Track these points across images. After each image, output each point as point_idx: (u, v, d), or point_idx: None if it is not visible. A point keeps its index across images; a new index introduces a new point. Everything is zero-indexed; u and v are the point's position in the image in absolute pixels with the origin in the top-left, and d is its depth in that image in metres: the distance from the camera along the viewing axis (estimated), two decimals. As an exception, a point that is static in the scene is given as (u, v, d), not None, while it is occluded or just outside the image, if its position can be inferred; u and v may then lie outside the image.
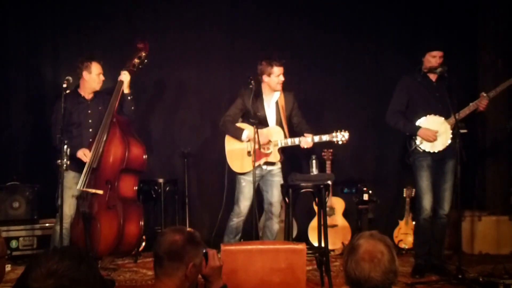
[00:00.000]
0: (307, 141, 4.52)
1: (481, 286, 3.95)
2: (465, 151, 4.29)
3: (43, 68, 5.70)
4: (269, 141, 4.60)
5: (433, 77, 4.57)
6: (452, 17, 6.05)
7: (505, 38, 5.90)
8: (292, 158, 5.91)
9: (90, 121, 4.68)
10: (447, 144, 4.42)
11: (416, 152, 4.51)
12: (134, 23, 5.82)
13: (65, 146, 4.12)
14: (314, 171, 5.42)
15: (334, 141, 4.52)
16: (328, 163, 5.58)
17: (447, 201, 4.49)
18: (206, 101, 5.94)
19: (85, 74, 4.63)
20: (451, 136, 4.40)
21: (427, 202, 4.45)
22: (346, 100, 6.05)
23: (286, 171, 4.76)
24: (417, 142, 4.48)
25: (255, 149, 4.36)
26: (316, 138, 4.53)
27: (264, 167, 4.69)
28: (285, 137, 4.65)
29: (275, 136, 4.64)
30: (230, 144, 4.74)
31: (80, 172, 4.45)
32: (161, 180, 5.34)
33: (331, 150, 5.63)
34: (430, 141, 4.43)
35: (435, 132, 4.41)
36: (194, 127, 5.96)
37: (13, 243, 4.97)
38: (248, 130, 4.60)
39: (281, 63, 4.62)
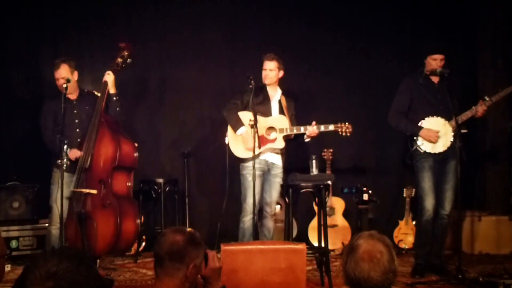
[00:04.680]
0: (313, 129, 4.47)
1: (481, 286, 3.95)
2: (466, 151, 4.28)
3: (43, 68, 5.69)
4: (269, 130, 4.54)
5: (435, 79, 4.56)
6: (452, 18, 6.05)
7: (505, 38, 5.90)
8: (292, 158, 5.91)
9: (76, 121, 4.63)
10: (448, 146, 4.41)
11: (418, 153, 4.50)
12: (133, 24, 5.83)
13: (65, 146, 4.12)
14: (314, 171, 5.41)
15: (338, 131, 4.52)
16: (328, 163, 5.59)
17: (449, 201, 4.48)
18: (206, 101, 5.94)
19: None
20: (452, 138, 4.40)
21: (429, 203, 4.44)
22: (347, 100, 6.04)
23: (286, 171, 4.75)
24: (418, 143, 4.47)
25: (259, 136, 4.29)
26: (322, 127, 4.49)
27: (268, 158, 4.60)
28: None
29: (280, 123, 4.59)
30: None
31: (71, 172, 4.41)
32: (161, 180, 5.34)
33: (331, 150, 5.63)
34: (432, 142, 4.42)
35: (437, 133, 4.40)
36: (194, 127, 5.96)
37: (13, 243, 4.98)
38: (246, 128, 4.52)
39: (267, 57, 4.63)
